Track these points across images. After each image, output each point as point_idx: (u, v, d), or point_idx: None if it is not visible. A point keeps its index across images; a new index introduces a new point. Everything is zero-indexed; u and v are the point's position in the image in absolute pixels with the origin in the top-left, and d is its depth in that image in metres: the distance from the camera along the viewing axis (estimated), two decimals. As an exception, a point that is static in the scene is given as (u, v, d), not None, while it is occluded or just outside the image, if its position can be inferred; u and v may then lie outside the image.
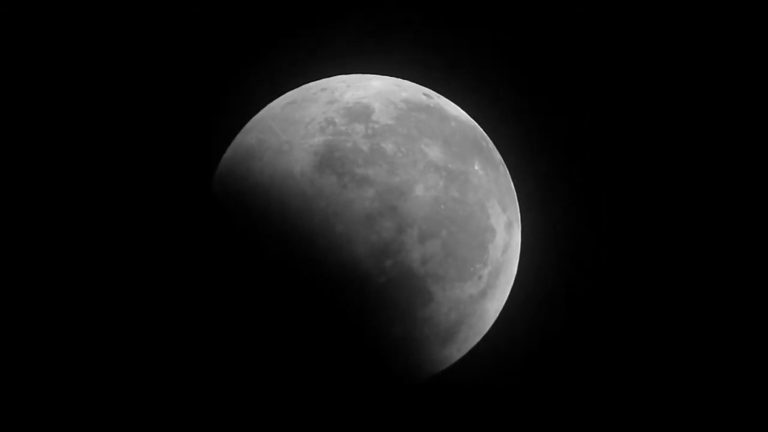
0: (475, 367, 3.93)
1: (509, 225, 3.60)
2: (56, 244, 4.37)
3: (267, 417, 4.08)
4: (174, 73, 4.54)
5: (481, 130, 3.73)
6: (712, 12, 4.44)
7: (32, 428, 4.03)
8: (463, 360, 3.75)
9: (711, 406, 4.20)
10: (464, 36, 4.52)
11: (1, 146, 4.39)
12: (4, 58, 4.36)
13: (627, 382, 4.30)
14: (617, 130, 4.57)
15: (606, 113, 4.57)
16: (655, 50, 4.54)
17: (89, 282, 4.36)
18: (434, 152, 3.35)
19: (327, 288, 3.21)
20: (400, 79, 3.73)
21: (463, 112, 3.74)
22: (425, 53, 4.43)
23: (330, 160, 3.25)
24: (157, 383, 4.21)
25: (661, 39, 4.52)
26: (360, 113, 3.38)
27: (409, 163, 3.28)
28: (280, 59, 4.46)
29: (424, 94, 3.63)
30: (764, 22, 4.43)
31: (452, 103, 3.73)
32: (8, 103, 4.41)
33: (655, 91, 4.55)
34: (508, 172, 3.77)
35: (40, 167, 4.42)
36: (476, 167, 3.46)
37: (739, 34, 4.45)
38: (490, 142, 3.74)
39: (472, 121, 3.73)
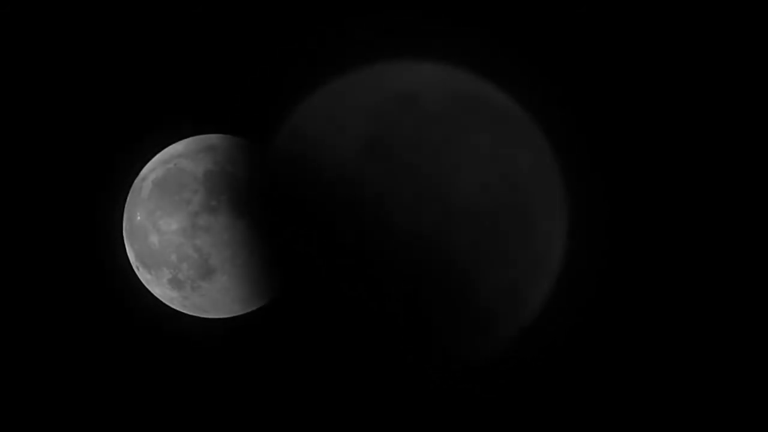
0: (518, 354, 3.94)
1: (555, 214, 3.59)
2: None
3: (318, 393, 4.17)
4: (223, 61, 4.59)
5: (530, 118, 3.71)
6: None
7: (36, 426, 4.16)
8: (505, 347, 3.76)
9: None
10: (516, 24, 4.48)
11: (17, 147, 4.48)
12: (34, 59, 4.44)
13: (669, 373, 4.27)
14: (675, 123, 4.49)
15: (663, 105, 4.49)
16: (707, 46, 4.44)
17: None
18: (482, 140, 3.35)
19: (373, 274, 3.25)
20: (449, 67, 3.73)
21: (512, 100, 3.72)
22: (476, 42, 4.40)
23: (378, 146, 3.28)
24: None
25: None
26: (409, 100, 3.40)
27: (456, 150, 3.29)
28: (329, 45, 4.48)
29: (473, 82, 3.62)
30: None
31: (501, 92, 3.72)
32: (27, 104, 4.50)
33: (713, 88, 4.46)
34: (555, 161, 3.74)
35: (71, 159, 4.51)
36: (524, 155, 3.45)
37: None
38: (539, 130, 3.71)
39: (521, 109, 3.71)
